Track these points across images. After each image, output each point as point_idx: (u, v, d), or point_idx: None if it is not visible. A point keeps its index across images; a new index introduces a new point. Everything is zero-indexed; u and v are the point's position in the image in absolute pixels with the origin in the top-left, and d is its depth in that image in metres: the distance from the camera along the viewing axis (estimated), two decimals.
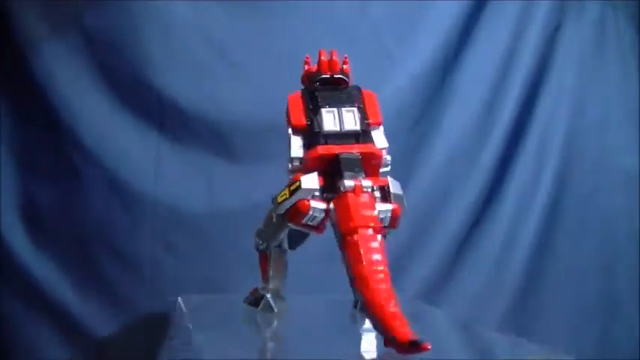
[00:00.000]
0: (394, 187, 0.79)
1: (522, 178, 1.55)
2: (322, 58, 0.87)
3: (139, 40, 1.43)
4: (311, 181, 0.78)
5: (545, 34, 1.58)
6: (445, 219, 1.52)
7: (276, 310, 0.91)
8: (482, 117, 1.55)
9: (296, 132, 0.83)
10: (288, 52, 1.47)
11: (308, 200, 0.78)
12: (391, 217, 0.78)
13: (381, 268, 0.70)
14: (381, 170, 0.82)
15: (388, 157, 0.81)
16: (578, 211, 1.57)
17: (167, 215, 1.44)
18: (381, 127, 0.82)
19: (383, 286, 0.68)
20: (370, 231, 0.73)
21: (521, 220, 1.55)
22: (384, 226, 0.77)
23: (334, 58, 0.86)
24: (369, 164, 0.79)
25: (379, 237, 0.73)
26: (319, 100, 0.82)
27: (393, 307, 0.66)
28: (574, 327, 1.54)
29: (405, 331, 0.63)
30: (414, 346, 0.62)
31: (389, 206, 0.77)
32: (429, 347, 0.61)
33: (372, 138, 0.81)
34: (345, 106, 0.82)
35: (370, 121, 0.82)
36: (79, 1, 1.43)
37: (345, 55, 0.86)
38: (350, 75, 0.86)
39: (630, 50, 1.63)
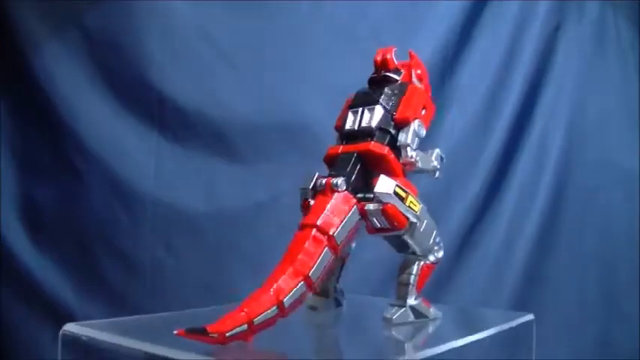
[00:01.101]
0: (382, 186, 0.76)
1: (522, 177, 1.55)
2: (375, 57, 0.86)
3: (139, 40, 1.43)
4: (306, 180, 0.79)
5: (545, 34, 1.58)
6: (445, 219, 1.52)
7: (310, 305, 0.87)
8: (483, 117, 1.55)
9: (339, 133, 0.83)
10: (288, 52, 1.48)
11: (308, 200, 0.78)
12: (385, 217, 0.76)
13: (290, 266, 0.70)
14: (413, 169, 0.80)
15: (412, 154, 0.79)
16: (578, 211, 1.57)
17: (167, 215, 1.44)
18: (414, 123, 0.80)
19: (271, 285, 0.68)
20: (313, 231, 0.73)
21: (522, 220, 1.55)
22: (384, 228, 0.76)
23: (388, 56, 0.85)
24: (374, 163, 0.78)
25: (336, 238, 0.73)
26: (353, 100, 0.83)
27: (243, 307, 0.67)
28: (574, 326, 1.54)
29: (215, 324, 0.65)
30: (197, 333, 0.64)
31: (376, 205, 0.75)
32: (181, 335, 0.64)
33: (389, 135, 0.79)
34: (369, 105, 0.81)
35: (397, 117, 0.80)
36: (79, 1, 1.43)
37: (409, 51, 0.85)
38: (414, 68, 0.84)
39: (630, 50, 1.63)
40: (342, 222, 0.74)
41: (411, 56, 0.85)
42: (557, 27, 1.59)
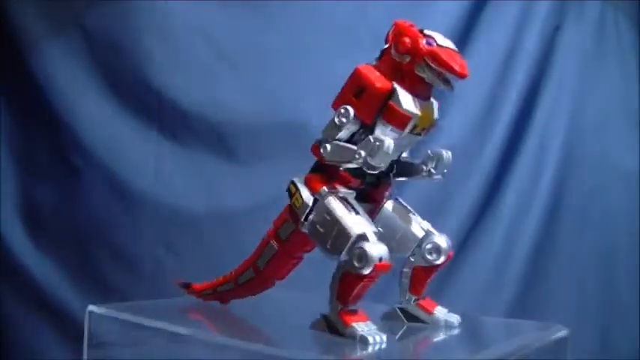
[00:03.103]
0: (291, 184, 0.76)
1: (522, 178, 1.55)
2: None
3: (138, 41, 1.43)
4: None
5: (545, 34, 1.58)
6: (445, 219, 1.51)
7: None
8: (483, 117, 1.55)
9: None
10: (287, 52, 1.48)
11: None
12: None
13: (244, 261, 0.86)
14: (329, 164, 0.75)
15: (325, 149, 0.75)
16: (578, 211, 1.57)
17: (167, 215, 1.44)
18: (335, 112, 0.73)
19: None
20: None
21: (521, 221, 1.54)
22: None
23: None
24: None
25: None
26: None
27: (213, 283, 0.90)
28: (574, 327, 1.54)
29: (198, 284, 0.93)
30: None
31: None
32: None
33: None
34: None
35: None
36: (79, 1, 1.43)
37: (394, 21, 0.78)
38: (395, 42, 0.75)
39: (630, 50, 1.63)
40: (284, 220, 0.78)
41: (394, 27, 0.77)
42: (557, 27, 1.58)
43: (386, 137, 0.70)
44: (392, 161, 0.76)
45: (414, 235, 0.80)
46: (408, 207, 0.82)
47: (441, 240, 0.79)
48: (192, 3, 1.45)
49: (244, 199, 1.45)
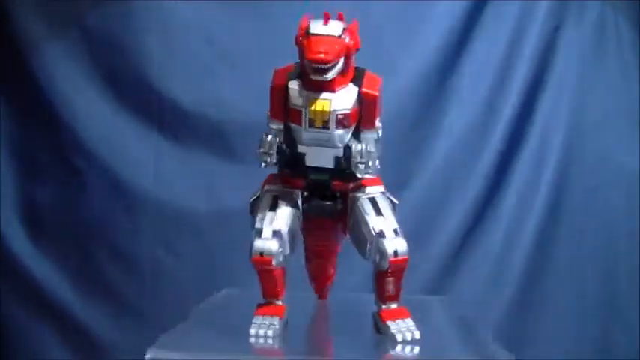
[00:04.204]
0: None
1: (522, 178, 1.55)
2: None
3: (139, 41, 1.43)
4: None
5: (545, 34, 1.57)
6: (445, 219, 1.52)
7: None
8: (482, 118, 1.55)
9: None
10: (288, 51, 1.47)
11: None
12: None
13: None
14: None
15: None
16: (578, 211, 1.57)
17: (167, 215, 1.44)
18: None
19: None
20: None
21: (521, 221, 1.54)
22: None
23: None
24: None
25: None
26: None
27: None
28: (574, 327, 1.54)
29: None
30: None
31: None
32: None
33: None
34: None
35: None
36: (80, 1, 1.43)
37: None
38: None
39: (630, 50, 1.63)
40: None
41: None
42: (557, 27, 1.58)
43: (268, 134, 0.74)
44: (341, 157, 0.74)
45: (367, 235, 0.74)
46: (381, 206, 0.76)
47: (390, 244, 0.73)
48: (193, 3, 1.45)
49: (244, 199, 1.44)
